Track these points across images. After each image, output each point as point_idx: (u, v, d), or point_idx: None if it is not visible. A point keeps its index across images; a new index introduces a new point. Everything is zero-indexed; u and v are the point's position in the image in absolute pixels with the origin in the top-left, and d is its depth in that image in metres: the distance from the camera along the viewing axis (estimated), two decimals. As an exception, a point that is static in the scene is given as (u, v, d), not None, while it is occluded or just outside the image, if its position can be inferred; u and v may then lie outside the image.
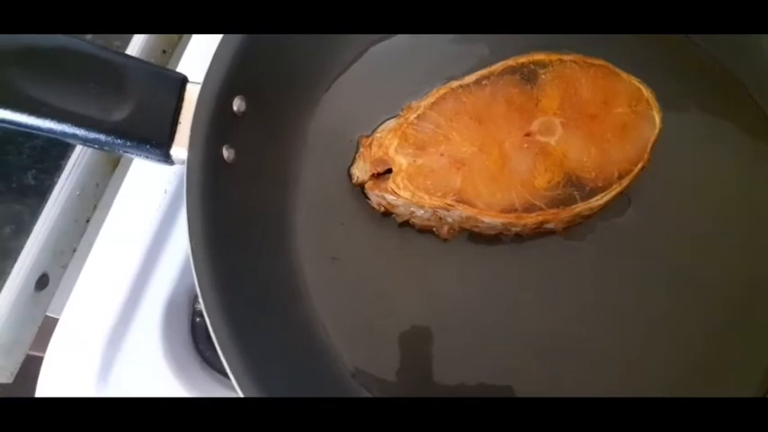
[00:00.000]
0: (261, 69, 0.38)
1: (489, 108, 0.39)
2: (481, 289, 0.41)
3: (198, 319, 0.43)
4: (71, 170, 0.40)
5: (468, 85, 0.40)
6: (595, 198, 0.39)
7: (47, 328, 0.40)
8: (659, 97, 0.40)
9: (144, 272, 0.40)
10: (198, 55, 0.44)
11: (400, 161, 0.38)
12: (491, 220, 0.38)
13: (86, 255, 0.41)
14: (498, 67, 0.40)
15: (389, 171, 0.39)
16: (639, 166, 0.39)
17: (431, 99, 0.39)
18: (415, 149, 0.39)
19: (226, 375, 0.40)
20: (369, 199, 0.41)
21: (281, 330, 0.38)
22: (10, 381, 0.38)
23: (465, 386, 0.39)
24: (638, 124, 0.40)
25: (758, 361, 0.40)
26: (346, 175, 0.42)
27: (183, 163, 0.34)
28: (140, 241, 0.40)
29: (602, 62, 0.41)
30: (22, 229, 0.39)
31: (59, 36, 0.33)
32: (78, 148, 0.41)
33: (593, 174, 0.39)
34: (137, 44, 0.43)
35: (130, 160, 0.43)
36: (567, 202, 0.38)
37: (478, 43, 0.44)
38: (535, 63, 0.40)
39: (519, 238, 0.41)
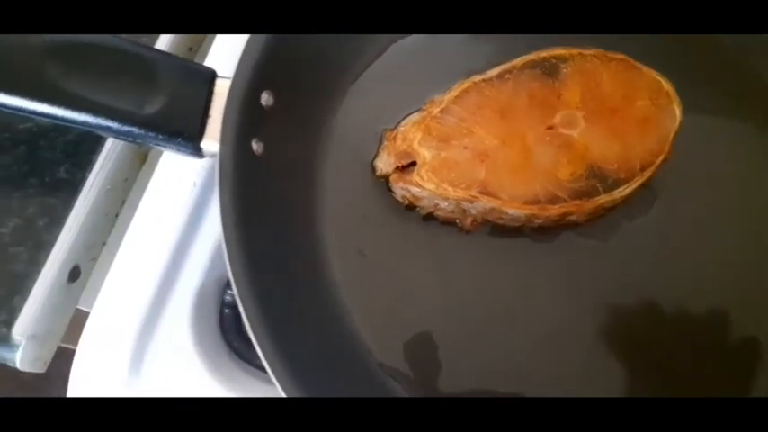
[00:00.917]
0: (288, 65, 0.39)
1: (512, 102, 0.40)
2: (503, 281, 0.41)
3: (226, 311, 0.43)
4: (102, 165, 0.41)
5: (490, 80, 0.40)
6: (618, 190, 0.39)
7: (77, 320, 0.41)
8: (679, 91, 0.40)
9: (174, 264, 0.41)
10: (223, 52, 0.45)
11: (424, 154, 0.39)
12: (515, 211, 0.39)
13: (115, 249, 0.41)
14: (520, 61, 0.41)
15: (413, 164, 0.39)
16: (661, 158, 0.40)
17: (454, 93, 0.40)
18: (438, 142, 0.39)
19: (254, 366, 0.42)
20: (393, 192, 0.42)
21: (311, 321, 0.38)
22: (43, 370, 0.39)
23: (489, 375, 0.39)
24: (659, 117, 0.40)
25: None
26: (370, 169, 0.42)
27: (213, 156, 0.35)
28: (170, 234, 0.41)
29: (622, 56, 0.41)
30: (56, 222, 0.39)
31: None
32: (109, 143, 0.42)
33: (616, 166, 0.39)
34: (163, 42, 0.44)
35: (158, 156, 0.43)
36: (589, 193, 0.39)
37: (499, 39, 0.44)
38: (556, 57, 0.41)
39: (541, 231, 0.41)
